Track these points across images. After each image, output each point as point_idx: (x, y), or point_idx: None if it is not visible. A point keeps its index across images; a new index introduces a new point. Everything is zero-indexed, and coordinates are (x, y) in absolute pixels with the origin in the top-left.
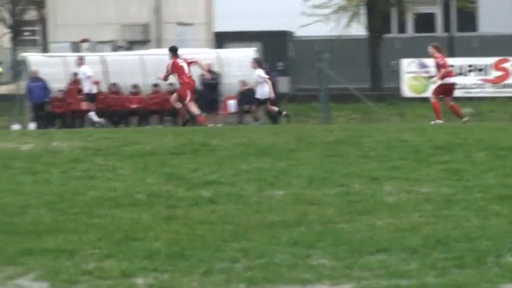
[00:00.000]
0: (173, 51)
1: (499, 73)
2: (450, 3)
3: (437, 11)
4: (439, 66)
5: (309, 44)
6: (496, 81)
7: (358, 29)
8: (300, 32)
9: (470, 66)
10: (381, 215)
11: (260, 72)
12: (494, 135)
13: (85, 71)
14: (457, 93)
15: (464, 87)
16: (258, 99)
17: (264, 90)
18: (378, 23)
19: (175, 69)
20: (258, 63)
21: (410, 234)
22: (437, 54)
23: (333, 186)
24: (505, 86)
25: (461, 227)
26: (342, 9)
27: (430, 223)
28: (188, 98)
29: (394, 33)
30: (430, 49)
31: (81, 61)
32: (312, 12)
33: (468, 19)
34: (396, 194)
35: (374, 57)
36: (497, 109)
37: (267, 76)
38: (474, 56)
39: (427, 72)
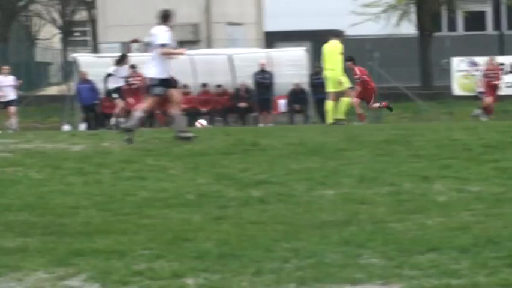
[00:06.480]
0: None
1: None
2: (500, 1)
3: (487, 9)
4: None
5: (359, 43)
6: None
7: (408, 28)
8: (350, 31)
9: None
10: (432, 214)
11: None
12: None
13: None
14: (506, 91)
15: None
16: None
17: None
18: (428, 22)
19: None
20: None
21: (461, 233)
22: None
23: (383, 185)
24: None
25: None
26: (391, 7)
27: (480, 222)
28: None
29: (444, 32)
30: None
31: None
32: (362, 11)
33: None
34: (447, 193)
35: (424, 55)
36: None
37: None
38: None
39: (477, 70)
